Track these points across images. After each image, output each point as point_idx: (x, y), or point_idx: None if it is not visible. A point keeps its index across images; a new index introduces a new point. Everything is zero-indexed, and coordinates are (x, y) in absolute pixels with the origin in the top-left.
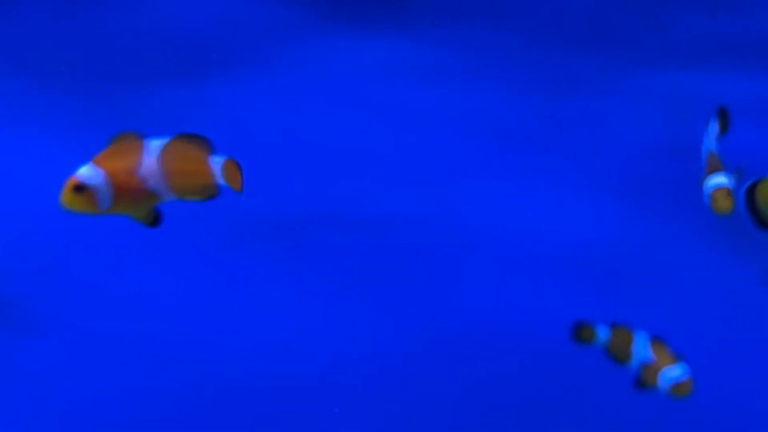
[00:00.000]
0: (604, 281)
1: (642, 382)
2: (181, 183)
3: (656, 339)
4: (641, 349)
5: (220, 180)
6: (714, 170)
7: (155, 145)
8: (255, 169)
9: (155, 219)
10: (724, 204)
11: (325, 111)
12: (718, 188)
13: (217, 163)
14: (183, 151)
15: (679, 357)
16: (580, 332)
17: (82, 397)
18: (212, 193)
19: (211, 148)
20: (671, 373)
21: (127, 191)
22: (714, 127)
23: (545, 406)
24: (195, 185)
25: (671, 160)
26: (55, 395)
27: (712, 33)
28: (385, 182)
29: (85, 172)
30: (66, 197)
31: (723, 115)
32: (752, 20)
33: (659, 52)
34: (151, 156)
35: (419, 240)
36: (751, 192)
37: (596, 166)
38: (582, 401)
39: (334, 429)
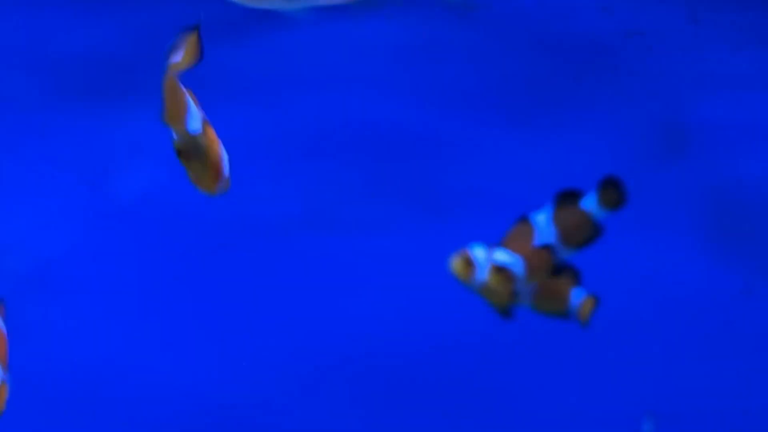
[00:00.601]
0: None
1: None
2: None
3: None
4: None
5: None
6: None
7: None
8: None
9: None
10: (494, 281)
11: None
12: (495, 265)
13: None
14: None
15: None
16: None
17: (68, 402)
18: None
19: None
20: None
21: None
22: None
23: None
24: None
25: (658, 161)
26: (41, 400)
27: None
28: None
29: None
30: None
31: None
32: None
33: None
34: None
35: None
36: None
37: (581, 169)
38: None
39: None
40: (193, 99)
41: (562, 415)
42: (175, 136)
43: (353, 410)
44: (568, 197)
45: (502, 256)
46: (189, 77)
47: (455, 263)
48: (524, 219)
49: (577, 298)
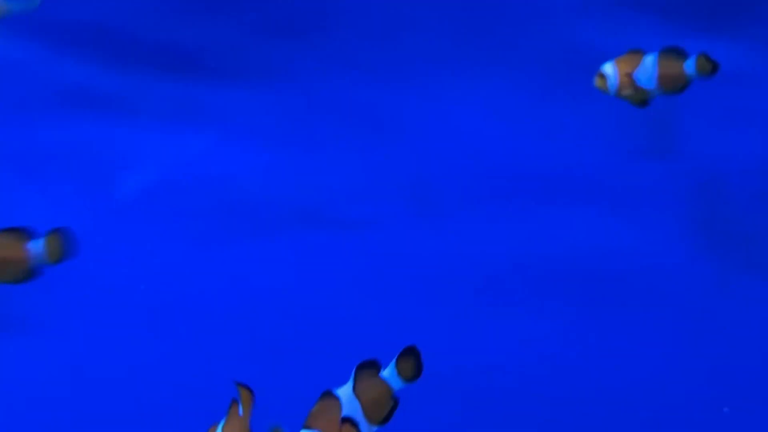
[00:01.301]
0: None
1: None
2: None
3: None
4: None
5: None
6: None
7: None
8: (233, 168)
9: None
10: None
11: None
12: None
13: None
14: None
15: None
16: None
17: (66, 399)
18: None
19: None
20: None
21: None
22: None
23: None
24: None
25: (641, 156)
26: (39, 397)
27: None
28: (366, 183)
29: None
30: None
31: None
32: None
33: None
34: None
35: (399, 242)
36: None
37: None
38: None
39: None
40: None
41: (552, 404)
42: None
43: None
44: (367, 367)
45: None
46: None
47: None
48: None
49: None
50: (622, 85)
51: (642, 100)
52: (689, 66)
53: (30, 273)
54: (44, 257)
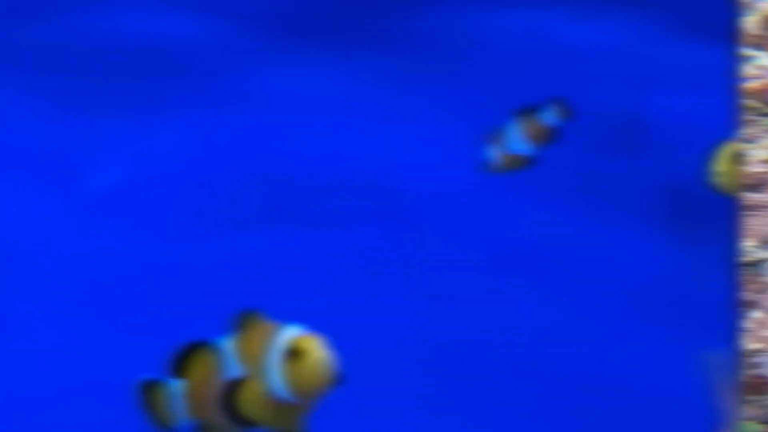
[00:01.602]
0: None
1: None
2: None
3: None
4: None
5: None
6: None
7: None
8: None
9: None
10: None
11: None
12: None
13: None
14: None
15: None
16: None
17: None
18: None
19: None
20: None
21: None
22: None
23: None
24: None
25: (613, 155)
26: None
27: None
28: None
29: None
30: None
31: None
32: None
33: None
34: None
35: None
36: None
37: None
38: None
39: None
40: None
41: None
42: None
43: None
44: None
45: None
46: None
47: None
48: None
49: None
50: (506, 160)
51: (523, 164)
52: (546, 116)
53: None
54: None
